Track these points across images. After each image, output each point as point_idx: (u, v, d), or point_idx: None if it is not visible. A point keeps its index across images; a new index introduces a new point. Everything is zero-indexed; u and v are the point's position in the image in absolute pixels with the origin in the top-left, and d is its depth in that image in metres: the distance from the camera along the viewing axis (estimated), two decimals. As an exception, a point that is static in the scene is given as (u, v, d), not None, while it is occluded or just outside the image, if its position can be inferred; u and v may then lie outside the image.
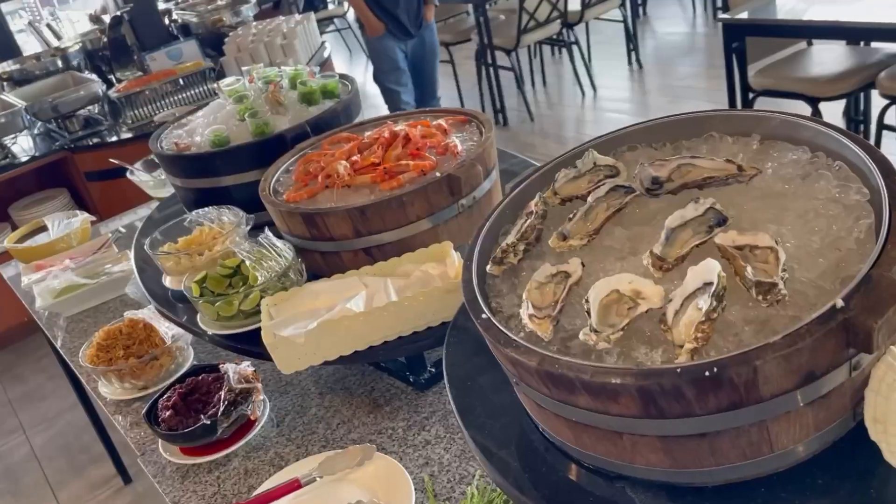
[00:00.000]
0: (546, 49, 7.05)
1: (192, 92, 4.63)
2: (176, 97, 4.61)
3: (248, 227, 1.89)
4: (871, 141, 3.89)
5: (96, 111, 4.85)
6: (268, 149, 2.00)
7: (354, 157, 1.75)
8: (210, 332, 1.66)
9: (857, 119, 4.52)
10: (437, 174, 1.61)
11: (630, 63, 6.58)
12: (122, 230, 2.68)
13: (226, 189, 2.07)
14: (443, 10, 6.43)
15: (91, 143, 4.63)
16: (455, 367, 1.22)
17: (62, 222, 2.85)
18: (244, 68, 2.37)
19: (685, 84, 5.97)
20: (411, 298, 1.46)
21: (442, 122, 1.88)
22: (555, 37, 6.01)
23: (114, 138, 4.61)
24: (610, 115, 5.77)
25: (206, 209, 1.98)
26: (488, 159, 1.69)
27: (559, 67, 7.03)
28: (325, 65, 5.02)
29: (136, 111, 4.57)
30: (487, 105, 6.12)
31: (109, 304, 2.43)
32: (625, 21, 6.38)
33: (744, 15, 3.85)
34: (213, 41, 5.30)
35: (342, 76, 2.27)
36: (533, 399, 0.97)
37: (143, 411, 1.70)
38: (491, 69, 5.74)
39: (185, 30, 5.45)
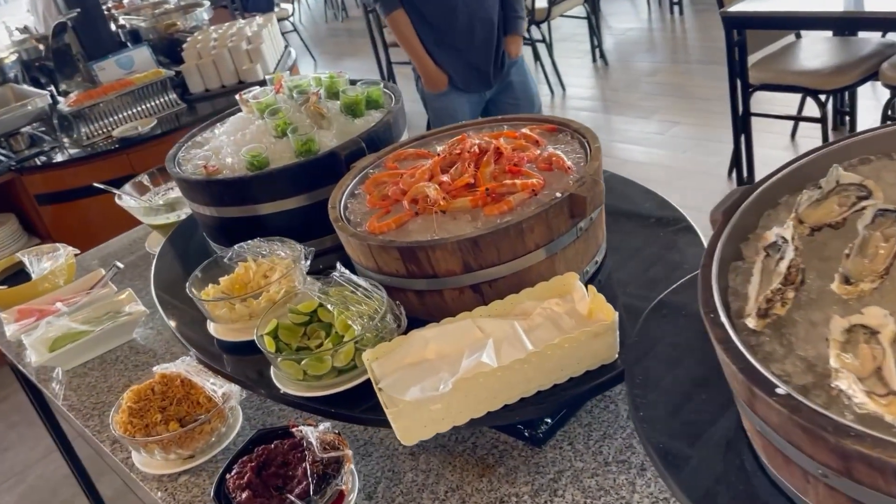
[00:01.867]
0: (506, 48, 6.86)
1: (153, 103, 4.27)
2: (134, 109, 4.24)
3: (309, 262, 1.62)
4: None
5: (42, 128, 4.43)
6: (317, 170, 1.74)
7: (443, 178, 1.50)
8: (292, 393, 1.39)
9: (843, 111, 4.48)
10: (558, 195, 1.38)
11: (595, 60, 6.46)
12: (120, 265, 2.35)
13: (261, 218, 1.79)
14: (400, 9, 6.18)
15: (40, 163, 4.21)
16: (655, 432, 0.99)
17: (39, 258, 2.49)
18: (267, 76, 2.08)
19: (655, 80, 5.88)
20: (555, 347, 1.22)
21: (527, 131, 1.65)
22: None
23: (66, 157, 4.20)
24: (583, 113, 5.63)
25: (251, 242, 1.70)
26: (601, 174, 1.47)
27: (521, 66, 6.84)
28: (293, 71, 4.71)
29: (90, 126, 4.17)
30: (456, 107, 5.89)
31: (116, 352, 2.11)
32: (588, 17, 6.25)
33: (742, 7, 3.72)
34: (166, 47, 4.92)
35: (376, 82, 2.01)
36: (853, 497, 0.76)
37: (212, 493, 1.41)
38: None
39: (135, 36, 5.05)
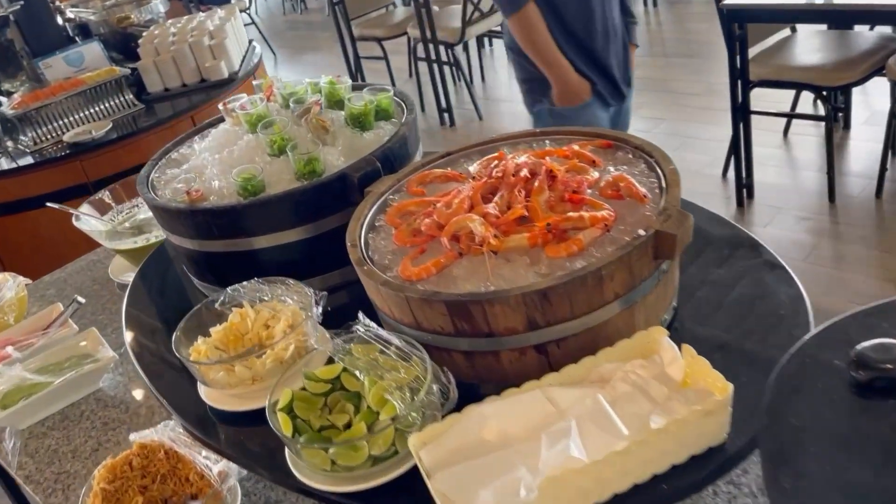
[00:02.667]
0: (472, 42, 6.60)
1: (107, 104, 3.91)
2: (86, 111, 3.88)
3: (321, 309, 1.34)
4: (883, 133, 3.67)
5: (-19, 132, 4.04)
6: (325, 196, 1.46)
7: (488, 209, 1.24)
8: (317, 487, 1.11)
9: (836, 107, 4.32)
10: (641, 232, 1.12)
11: (570, 54, 6.22)
12: (80, 300, 2.03)
13: (256, 252, 1.50)
14: (366, 1, 5.89)
15: (-20, 172, 3.82)
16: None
17: (-16, 289, 2.16)
18: (255, 83, 1.79)
19: (635, 75, 5.65)
20: (662, 432, 0.97)
21: (577, 148, 1.39)
22: (497, 28, 5.57)
23: (11, 164, 3.82)
24: (563, 110, 5.39)
25: (248, 284, 1.41)
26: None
27: (493, 61, 6.61)
28: (258, 70, 4.38)
29: (38, 130, 3.80)
30: (430, 105, 5.63)
31: (80, 406, 1.80)
32: (564, 10, 6.01)
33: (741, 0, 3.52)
34: (119, 43, 4.55)
35: (384, 88, 1.73)
36: None
37: None
38: (435, 66, 5.23)
39: (84, 30, 4.66)
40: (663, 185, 1.24)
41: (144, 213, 2.19)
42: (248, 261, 1.52)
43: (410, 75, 6.41)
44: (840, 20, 3.82)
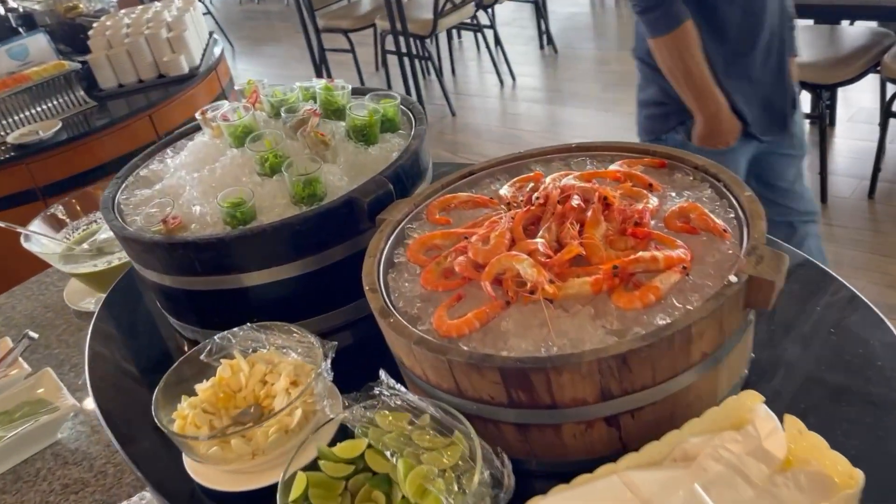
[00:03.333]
0: (442, 35, 6.38)
1: (56, 102, 3.60)
2: (33, 110, 3.57)
3: (330, 361, 1.13)
4: (869, 131, 3.55)
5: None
6: (329, 224, 1.24)
7: (536, 244, 1.03)
8: None
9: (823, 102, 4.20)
10: (732, 278, 0.92)
11: (542, 47, 6.05)
12: (33, 335, 1.77)
13: (246, 291, 1.28)
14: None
15: (-85, 177, 3.48)
16: None
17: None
18: (237, 87, 1.55)
19: (610, 69, 5.52)
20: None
21: (625, 168, 1.19)
22: (469, 20, 5.36)
23: (-51, 169, 3.49)
24: (539, 106, 5.22)
25: (241, 332, 1.19)
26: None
27: (464, 54, 6.39)
28: (220, 64, 4.10)
29: (-22, 131, 3.48)
30: (400, 100, 5.38)
31: (35, 463, 1.55)
32: (536, 1, 5.83)
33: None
34: (67, 34, 4.23)
35: (389, 95, 1.51)
36: None
37: None
38: (406, 59, 5.00)
39: (29, 21, 4.32)
40: (741, 215, 1.05)
41: (106, 233, 1.93)
42: (236, 300, 1.29)
43: (377, 69, 6.17)
44: (829, 15, 3.71)
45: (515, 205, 1.15)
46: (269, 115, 1.46)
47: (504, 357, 0.90)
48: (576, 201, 1.07)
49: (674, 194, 1.12)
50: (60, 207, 2.07)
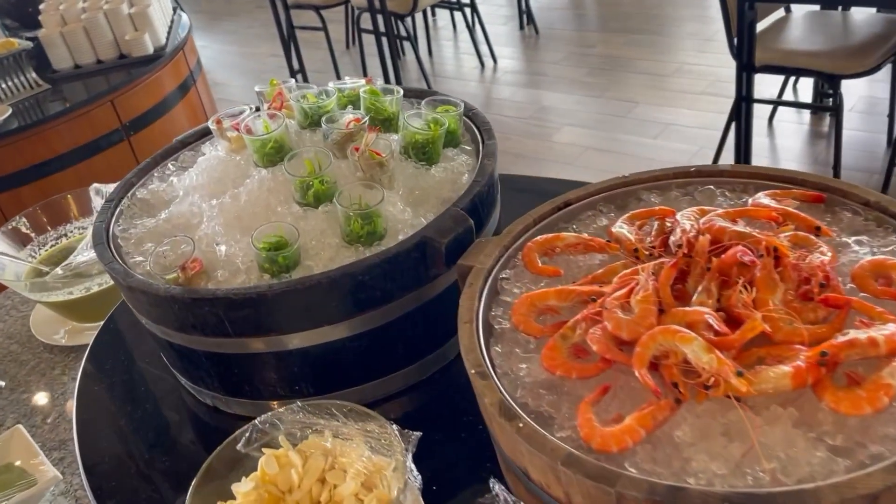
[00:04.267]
0: (418, 14, 6.06)
1: (5, 85, 3.23)
2: (-22, 95, 3.19)
3: (411, 454, 0.87)
4: (875, 123, 3.39)
5: None
6: (396, 271, 0.97)
7: (701, 315, 0.78)
8: None
9: (824, 92, 4.04)
10: None
11: (522, 27, 5.79)
12: (0, 383, 1.47)
13: (285, 356, 1.01)
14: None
15: None
16: None
17: None
18: (256, 89, 1.26)
19: (596, 52, 5.28)
20: None
21: (774, 203, 0.95)
22: (449, -1, 5.07)
23: None
24: (523, 91, 4.96)
25: (289, 414, 0.92)
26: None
27: (439, 33, 6.09)
28: (187, 44, 3.75)
29: (-83, 119, 3.08)
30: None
31: (10, 548, 1.26)
32: (516, -21, 5.56)
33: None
34: (14, 8, 3.83)
35: (449, 100, 1.24)
36: None
37: None
38: (384, 39, 4.69)
39: (-29, -7, 3.89)
40: (952, 275, 0.82)
41: (85, 253, 1.62)
42: (273, 365, 1.02)
43: (348, 46, 5.85)
44: (831, 0, 3.53)
45: (647, 253, 0.90)
46: (300, 126, 1.18)
47: (703, 492, 0.65)
48: (746, 257, 0.82)
49: (852, 242, 0.89)
50: (24, 220, 1.76)
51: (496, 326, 0.89)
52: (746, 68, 3.21)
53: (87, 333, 1.67)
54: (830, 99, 4.01)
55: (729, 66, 4.82)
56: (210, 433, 1.11)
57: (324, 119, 1.12)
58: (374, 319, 1.00)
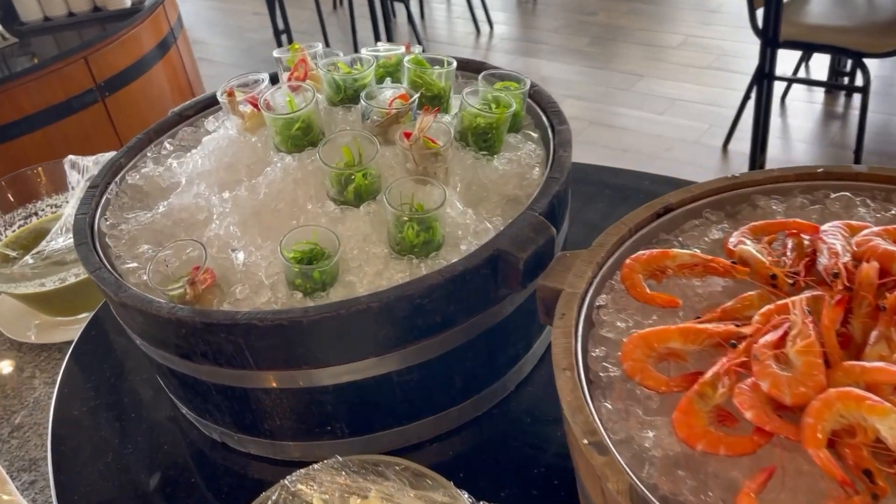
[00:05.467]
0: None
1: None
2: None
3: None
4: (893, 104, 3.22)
5: None
6: (463, 293, 0.77)
7: (886, 373, 0.59)
8: None
9: (840, 71, 3.87)
10: None
11: (519, -9, 5.53)
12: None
13: (319, 392, 0.81)
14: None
15: None
16: None
17: None
18: (275, 54, 1.04)
19: (597, 21, 5.06)
20: None
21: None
22: (445, -42, 4.79)
23: None
24: (521, 59, 4.73)
25: (325, 471, 0.72)
26: None
27: (429, -5, 5.81)
28: (168, -6, 3.46)
29: None
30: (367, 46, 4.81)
31: None
32: (513, -60, 5.29)
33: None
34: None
35: (511, 76, 1.03)
36: None
37: None
38: (377, 2, 4.43)
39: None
40: None
41: (59, 238, 1.40)
42: (302, 402, 0.82)
43: (335, 6, 5.56)
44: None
45: (790, 279, 0.71)
46: (330, 102, 0.97)
47: None
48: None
49: None
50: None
51: (602, 374, 0.69)
52: (771, 43, 3.01)
53: (62, 328, 1.46)
54: (846, 78, 3.84)
55: (734, 40, 4.66)
56: (218, 474, 0.91)
57: (363, 95, 0.90)
58: (430, 350, 0.80)
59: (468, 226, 0.84)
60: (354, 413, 0.83)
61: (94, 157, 1.58)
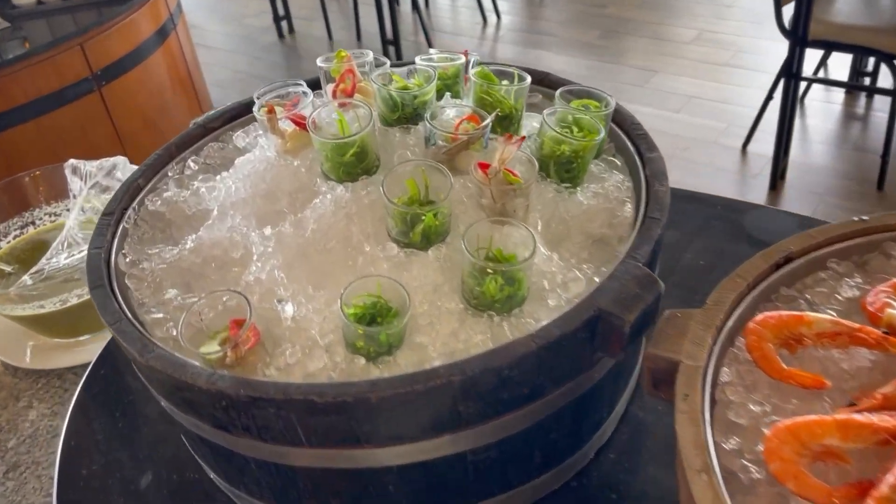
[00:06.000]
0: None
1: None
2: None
3: None
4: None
5: None
6: (556, 362, 0.65)
7: None
8: None
9: (862, 71, 3.75)
10: None
11: (526, -19, 5.38)
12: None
13: (371, 473, 0.68)
14: None
15: None
16: None
17: None
18: (319, 63, 0.90)
19: (607, 13, 4.92)
20: None
21: None
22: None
23: None
24: (529, 52, 4.59)
25: None
26: None
27: (435, -17, 5.65)
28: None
29: None
30: (370, 35, 4.68)
31: None
32: (522, -73, 5.13)
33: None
34: (-33, -69, 3.32)
35: (590, 92, 0.90)
36: None
37: None
38: (383, -12, 4.27)
39: None
40: None
41: (62, 256, 1.26)
42: (359, 483, 0.69)
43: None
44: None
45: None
46: (383, 121, 0.83)
47: None
48: None
49: None
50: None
51: (741, 475, 0.57)
52: (800, 42, 2.89)
53: (62, 351, 1.33)
54: (867, 78, 3.73)
55: (751, 36, 4.52)
56: (252, 553, 0.79)
57: (427, 116, 0.77)
58: (511, 425, 0.68)
59: (554, 274, 0.71)
60: (418, 495, 0.71)
61: (97, 163, 1.44)
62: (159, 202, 0.85)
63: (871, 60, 3.69)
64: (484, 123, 0.76)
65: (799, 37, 2.91)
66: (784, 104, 3.09)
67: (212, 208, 0.82)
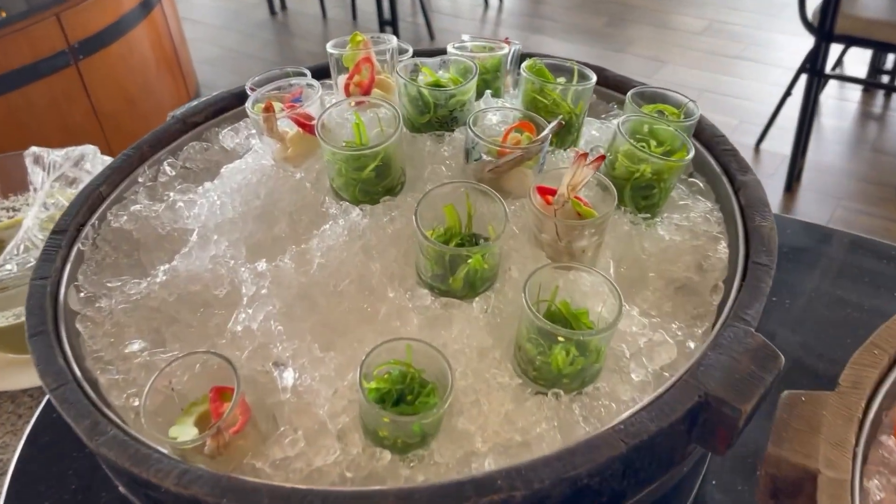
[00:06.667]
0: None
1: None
2: None
3: None
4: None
5: None
6: (643, 465, 0.48)
7: None
8: None
9: (881, 68, 3.61)
10: None
11: (529, -37, 5.18)
12: None
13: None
14: None
15: None
16: None
17: None
18: (329, 49, 0.72)
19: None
20: None
21: None
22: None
23: None
24: (533, 38, 4.40)
25: None
26: None
27: (434, -38, 5.43)
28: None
29: None
30: (367, 15, 4.47)
31: None
32: None
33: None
34: None
35: (666, 93, 0.73)
36: None
37: None
38: (382, -35, 4.07)
39: None
40: None
41: (18, 260, 1.08)
42: None
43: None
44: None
45: None
46: (411, 125, 0.66)
47: None
48: None
49: None
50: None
51: None
52: (826, 38, 2.72)
53: (15, 369, 1.16)
54: (886, 76, 3.58)
55: (764, 28, 4.35)
56: None
57: (469, 122, 0.60)
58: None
59: (636, 336, 0.55)
60: None
61: (63, 151, 1.25)
62: (125, 217, 0.68)
63: (891, 58, 3.54)
64: (543, 134, 0.59)
65: (825, 32, 2.74)
66: (805, 102, 2.93)
67: (191, 228, 0.64)
